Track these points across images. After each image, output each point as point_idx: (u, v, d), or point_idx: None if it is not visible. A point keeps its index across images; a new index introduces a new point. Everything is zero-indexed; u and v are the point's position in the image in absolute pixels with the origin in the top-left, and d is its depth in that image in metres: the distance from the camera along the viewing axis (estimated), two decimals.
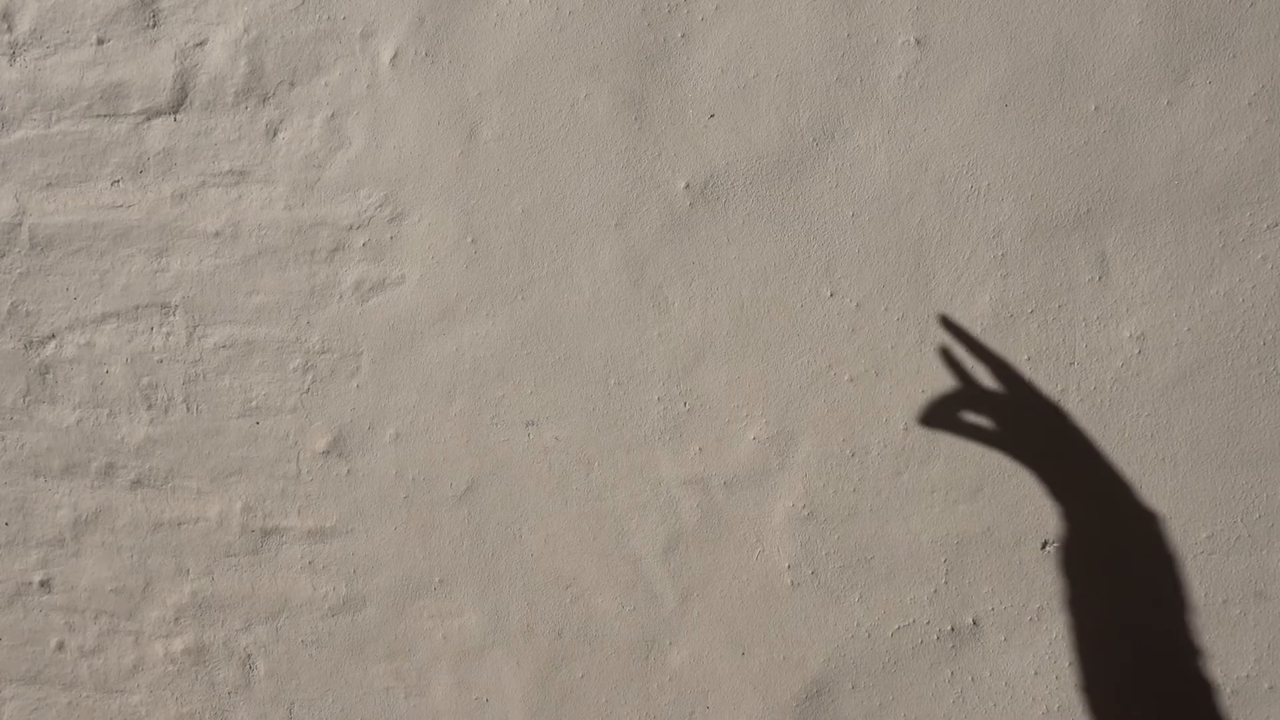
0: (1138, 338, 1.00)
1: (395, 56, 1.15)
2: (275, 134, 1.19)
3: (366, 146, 1.17)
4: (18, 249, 1.29)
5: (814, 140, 1.05)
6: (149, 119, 1.23)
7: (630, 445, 1.14)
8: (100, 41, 1.23)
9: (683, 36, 1.07)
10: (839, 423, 1.08)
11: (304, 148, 1.19)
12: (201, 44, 1.20)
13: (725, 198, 1.08)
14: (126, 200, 1.25)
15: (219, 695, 1.30)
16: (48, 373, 1.30)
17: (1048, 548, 1.04)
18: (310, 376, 1.22)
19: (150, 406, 1.27)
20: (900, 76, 1.02)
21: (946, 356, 1.03)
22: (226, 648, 1.29)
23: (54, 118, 1.26)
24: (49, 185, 1.27)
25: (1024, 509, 1.05)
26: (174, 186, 1.23)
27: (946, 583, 1.07)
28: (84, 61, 1.24)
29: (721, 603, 1.14)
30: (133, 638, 1.32)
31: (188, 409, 1.26)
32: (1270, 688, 1.01)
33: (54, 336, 1.29)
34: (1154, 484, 1.01)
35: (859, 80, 1.04)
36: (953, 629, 1.08)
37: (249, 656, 1.29)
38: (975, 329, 1.04)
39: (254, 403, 1.24)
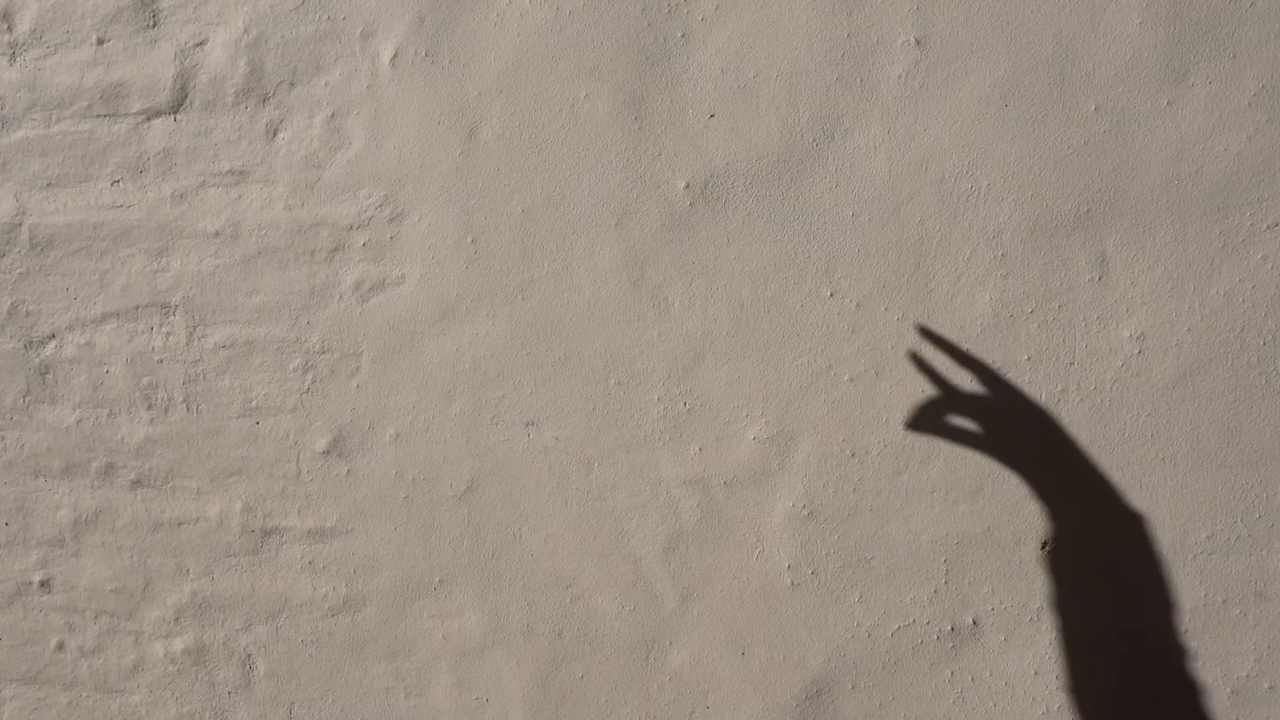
0: (1138, 338, 1.00)
1: (395, 56, 1.15)
2: (275, 134, 1.19)
3: (366, 146, 1.17)
4: (18, 249, 1.29)
5: (814, 140, 1.05)
6: (149, 119, 1.23)
7: (630, 445, 1.14)
8: (100, 41, 1.23)
9: (683, 36, 1.07)
10: (839, 423, 1.08)
11: (304, 148, 1.19)
12: (201, 44, 1.20)
13: (725, 198, 1.08)
14: (126, 200, 1.25)
15: (219, 695, 1.30)
16: (48, 373, 1.30)
17: (1048, 548, 1.04)
18: (310, 376, 1.22)
19: (150, 406, 1.27)
20: (900, 76, 1.02)
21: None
22: (226, 648, 1.29)
23: (54, 118, 1.26)
24: (49, 185, 1.27)
25: (1024, 509, 1.05)
26: (174, 186, 1.23)
27: (946, 583, 1.07)
28: (84, 61, 1.24)
29: (721, 603, 1.14)
30: (133, 638, 1.32)
31: (188, 409, 1.26)
32: (1270, 688, 1.01)
33: (54, 336, 1.29)
34: (1154, 484, 1.01)
35: (859, 80, 1.04)
36: (953, 629, 1.08)
37: (249, 656, 1.29)
38: (975, 329, 1.04)
39: (254, 403, 1.24)
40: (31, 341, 1.30)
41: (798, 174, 1.06)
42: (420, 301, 1.17)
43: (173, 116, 1.22)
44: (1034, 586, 1.05)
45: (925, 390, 1.05)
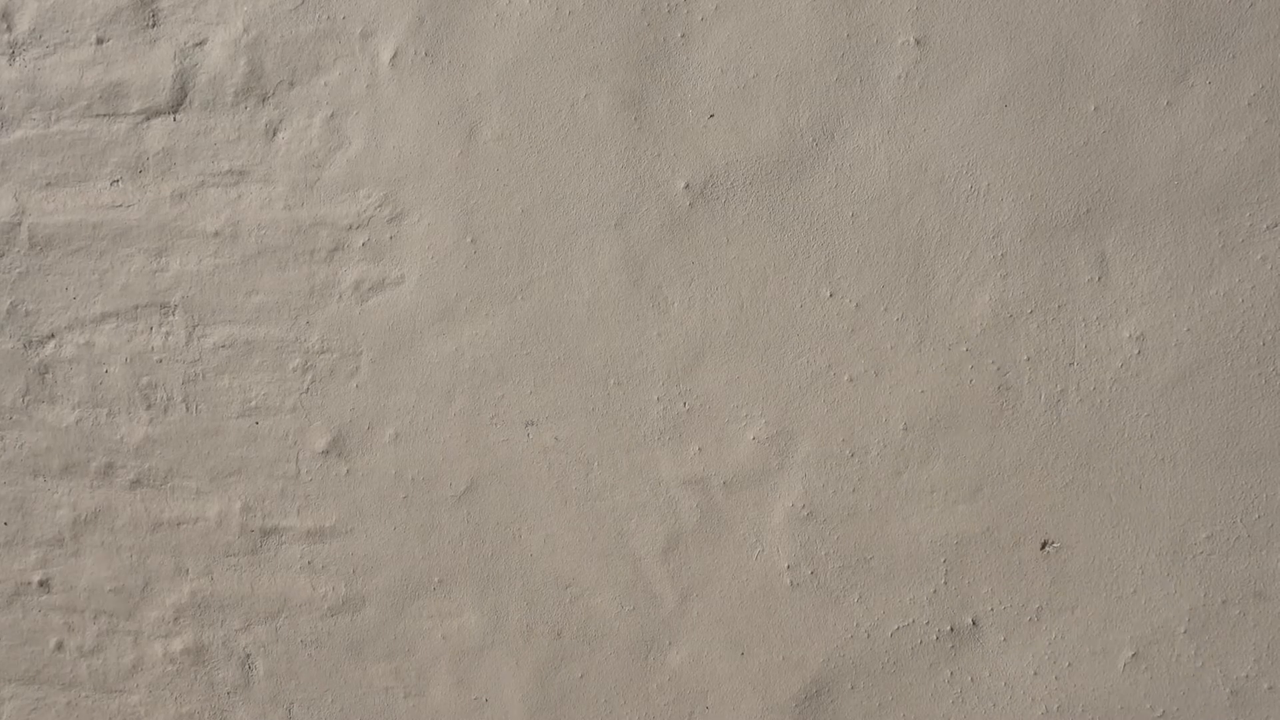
0: (1137, 338, 1.00)
1: (395, 56, 1.15)
2: (275, 134, 1.19)
3: (366, 146, 1.17)
4: (17, 249, 1.29)
5: (814, 140, 1.05)
6: (148, 119, 1.23)
7: (630, 445, 1.14)
8: (100, 41, 1.23)
9: (683, 36, 1.07)
10: (839, 423, 1.08)
11: (303, 148, 1.19)
12: (201, 44, 1.20)
13: (725, 198, 1.08)
14: (126, 200, 1.25)
15: (218, 695, 1.30)
16: (47, 372, 1.30)
17: (1048, 548, 1.05)
18: (310, 376, 1.22)
19: (150, 406, 1.27)
20: (900, 76, 1.03)
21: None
22: (226, 648, 1.29)
23: (53, 117, 1.26)
24: (48, 185, 1.27)
25: (1024, 509, 1.05)
26: (173, 186, 1.23)
27: (946, 583, 1.07)
28: (83, 61, 1.24)
29: (721, 603, 1.14)
30: (132, 638, 1.32)
31: (187, 409, 1.26)
32: (1270, 688, 1.01)
33: (53, 336, 1.29)
34: (1154, 484, 1.01)
35: (859, 80, 1.04)
36: (952, 629, 1.08)
37: (248, 656, 1.29)
38: (975, 329, 1.04)
39: (253, 403, 1.24)
40: (31, 341, 1.30)
41: (798, 174, 1.06)
42: (420, 301, 1.17)
43: (172, 116, 1.22)
44: (1034, 586, 1.05)
45: (925, 390, 1.05)
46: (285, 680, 1.28)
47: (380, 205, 1.17)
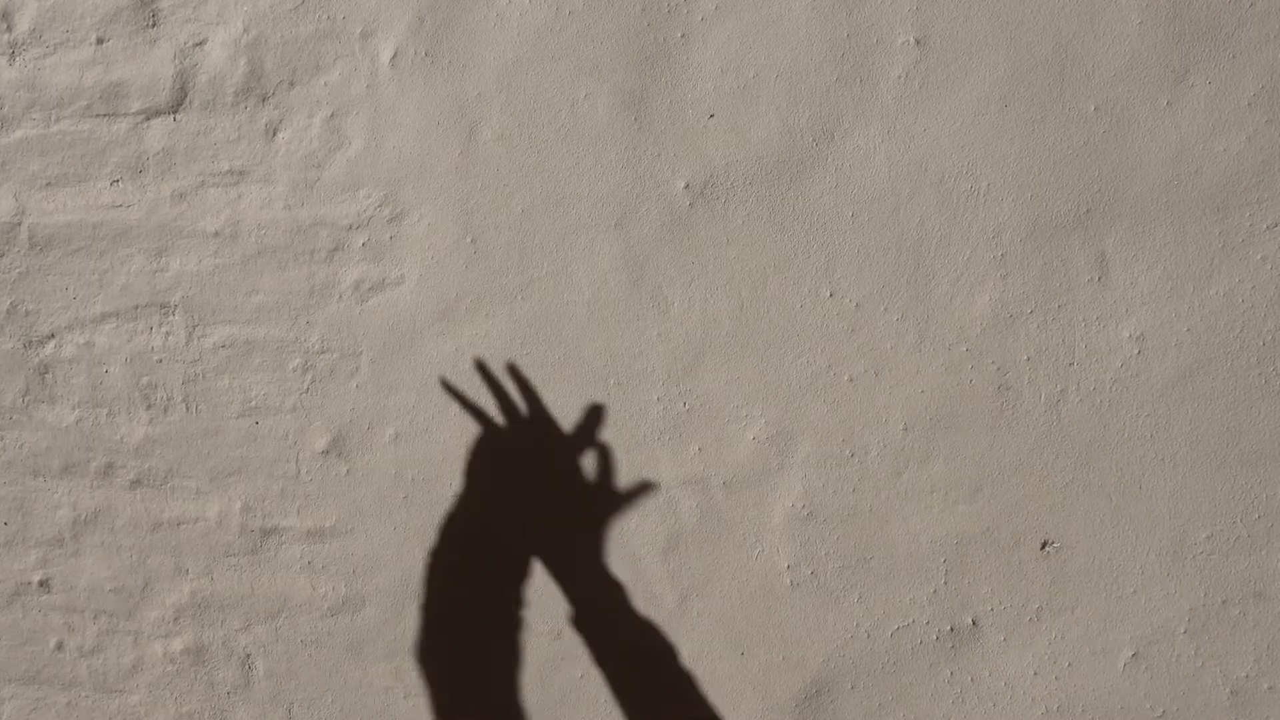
0: (1137, 338, 1.00)
1: (395, 56, 1.15)
2: (275, 134, 1.19)
3: (366, 146, 1.17)
4: (17, 249, 1.29)
5: (814, 140, 1.05)
6: (148, 119, 1.23)
7: (630, 445, 1.14)
8: (100, 41, 1.23)
9: (683, 36, 1.07)
10: (839, 423, 1.08)
11: (303, 148, 1.19)
12: (201, 44, 1.20)
13: (725, 198, 1.08)
14: (126, 200, 1.25)
15: (218, 695, 1.30)
16: (47, 372, 1.30)
17: (1048, 548, 1.05)
18: (310, 376, 1.22)
19: (149, 406, 1.27)
20: (900, 76, 1.03)
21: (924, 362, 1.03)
22: (226, 648, 1.29)
23: (53, 117, 1.26)
24: (48, 185, 1.27)
25: (1024, 509, 1.05)
26: (173, 186, 1.23)
27: (946, 583, 1.07)
28: (83, 61, 1.24)
29: (721, 603, 1.14)
30: (132, 638, 1.32)
31: (187, 409, 1.26)
32: (1270, 688, 1.01)
33: (53, 336, 1.29)
34: (1154, 484, 1.01)
35: (859, 80, 1.04)
36: (952, 629, 1.08)
37: (248, 656, 1.29)
38: (975, 329, 1.04)
39: (253, 403, 1.24)
40: (31, 341, 1.30)
41: (798, 174, 1.06)
42: (420, 301, 1.17)
43: (172, 116, 1.22)
44: (1034, 586, 1.05)
45: (926, 390, 1.05)
46: (285, 680, 1.28)
47: (380, 205, 1.17)
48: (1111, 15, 0.97)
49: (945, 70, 1.01)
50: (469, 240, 1.15)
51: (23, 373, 1.31)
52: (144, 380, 1.27)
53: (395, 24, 1.14)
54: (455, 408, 1.18)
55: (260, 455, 1.25)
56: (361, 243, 1.18)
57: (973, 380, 1.04)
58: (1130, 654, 1.04)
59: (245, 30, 1.19)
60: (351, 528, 1.23)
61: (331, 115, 1.17)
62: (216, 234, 1.23)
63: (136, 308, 1.26)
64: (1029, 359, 1.03)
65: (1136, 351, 1.00)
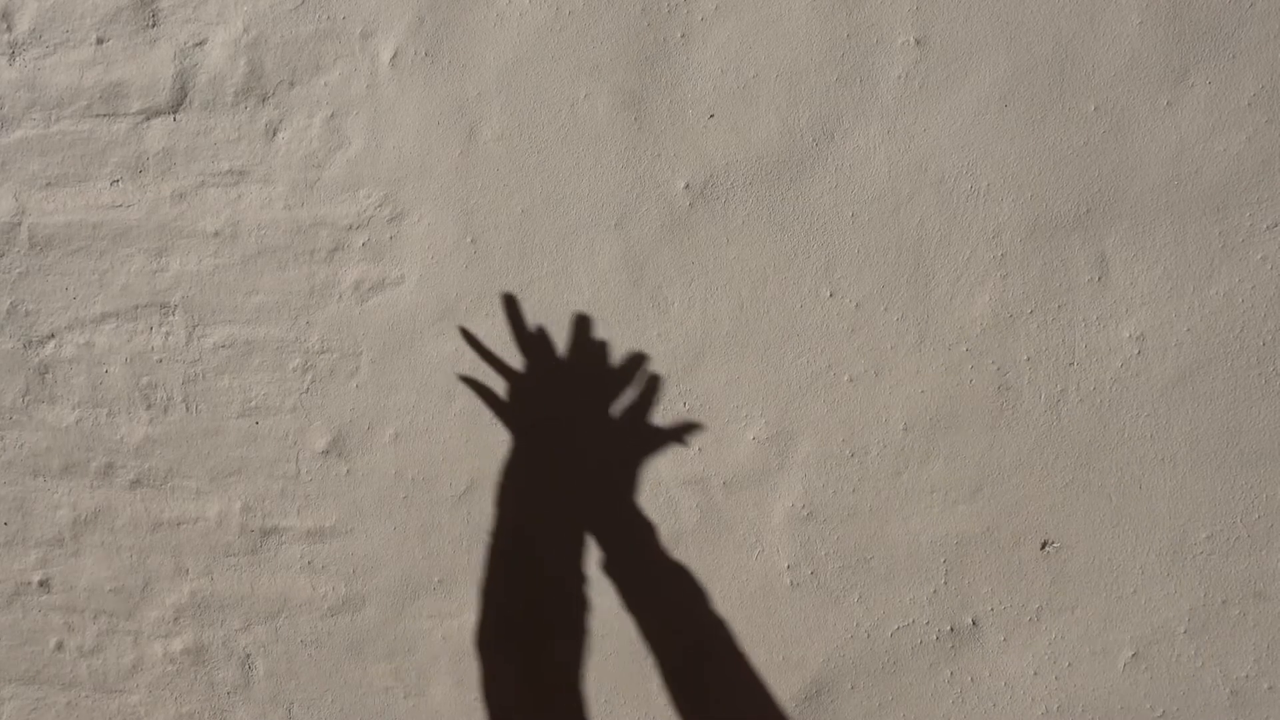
0: (1137, 338, 1.00)
1: (395, 56, 1.15)
2: (275, 134, 1.19)
3: (366, 146, 1.17)
4: (17, 249, 1.29)
5: (814, 140, 1.05)
6: (148, 119, 1.23)
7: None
8: (100, 41, 1.23)
9: (683, 36, 1.07)
10: (839, 423, 1.08)
11: (303, 148, 1.19)
12: (201, 44, 1.20)
13: (725, 198, 1.08)
14: (126, 200, 1.25)
15: (218, 695, 1.30)
16: (47, 372, 1.30)
17: (1048, 548, 1.04)
18: (310, 376, 1.22)
19: (149, 406, 1.27)
20: (900, 76, 1.02)
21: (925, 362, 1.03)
22: (226, 648, 1.29)
23: (53, 117, 1.26)
24: (48, 185, 1.27)
25: (1024, 509, 1.05)
26: (173, 186, 1.23)
27: (946, 583, 1.07)
28: (83, 61, 1.24)
29: (721, 603, 1.14)
30: (132, 638, 1.32)
31: (187, 409, 1.26)
32: (1270, 688, 1.01)
33: (53, 336, 1.29)
34: (1154, 484, 1.01)
35: (859, 80, 1.04)
36: (952, 629, 1.08)
37: (248, 656, 1.29)
38: (975, 329, 1.04)
39: (253, 403, 1.24)
40: (31, 341, 1.30)
41: (798, 174, 1.06)
42: (420, 301, 1.17)
43: (172, 116, 1.22)
44: (1034, 586, 1.05)
45: (926, 390, 1.05)
46: (285, 680, 1.28)
47: (380, 205, 1.17)
48: (1111, 15, 0.97)
49: (945, 70, 1.01)
50: (469, 240, 1.15)
51: (23, 373, 1.31)
52: (144, 380, 1.27)
53: (395, 24, 1.14)
54: (455, 407, 1.18)
55: (260, 455, 1.25)
56: (361, 243, 1.18)
57: (973, 380, 1.04)
58: (1130, 654, 1.04)
59: (245, 30, 1.19)
60: (351, 528, 1.23)
61: (331, 115, 1.17)
62: (216, 234, 1.23)
63: (136, 308, 1.26)
64: (1029, 359, 1.03)
65: (1136, 351, 1.00)
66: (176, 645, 1.31)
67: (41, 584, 1.35)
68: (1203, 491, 1.00)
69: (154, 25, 1.21)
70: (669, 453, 1.13)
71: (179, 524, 1.29)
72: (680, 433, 1.08)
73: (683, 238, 1.10)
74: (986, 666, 1.07)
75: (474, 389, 1.12)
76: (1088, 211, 1.00)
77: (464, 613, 1.21)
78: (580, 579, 1.14)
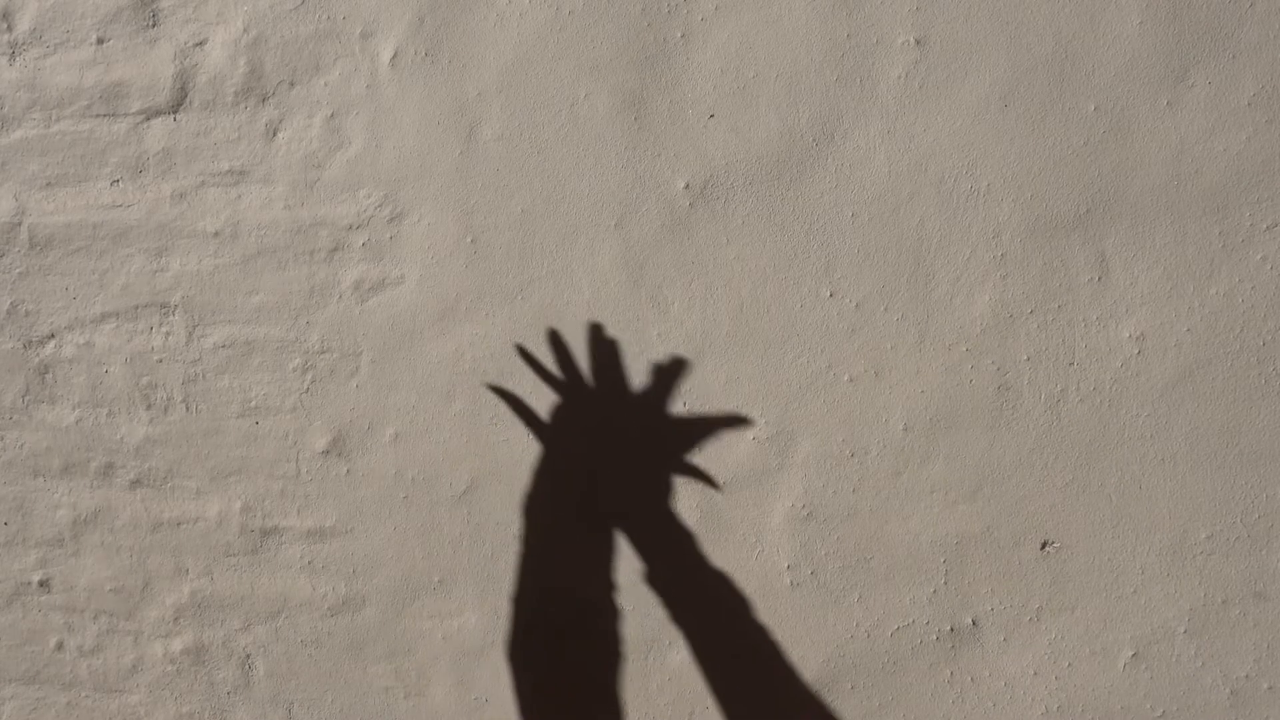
0: (1137, 338, 1.00)
1: (395, 56, 1.15)
2: (275, 134, 1.19)
3: (366, 146, 1.17)
4: (17, 249, 1.29)
5: (814, 140, 1.05)
6: (148, 119, 1.23)
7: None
8: (100, 41, 1.23)
9: (683, 36, 1.07)
10: (839, 423, 1.08)
11: (303, 148, 1.19)
12: (201, 44, 1.20)
13: (725, 198, 1.08)
14: (126, 200, 1.25)
15: (218, 695, 1.30)
16: (47, 372, 1.30)
17: (1048, 548, 1.04)
18: (310, 376, 1.22)
19: (149, 406, 1.27)
20: (900, 76, 1.02)
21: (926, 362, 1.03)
22: (226, 648, 1.29)
23: (53, 117, 1.26)
24: (48, 185, 1.27)
25: (1024, 509, 1.05)
26: (173, 186, 1.23)
27: (946, 583, 1.07)
28: (84, 61, 1.24)
29: (725, 603, 1.14)
30: (132, 638, 1.32)
31: (187, 409, 1.26)
32: (1270, 688, 1.01)
33: (53, 336, 1.29)
34: (1154, 484, 1.01)
35: (859, 80, 1.04)
36: (952, 629, 1.08)
37: (248, 656, 1.29)
38: (975, 329, 1.04)
39: (253, 403, 1.24)
40: (31, 341, 1.30)
41: (798, 174, 1.06)
42: (420, 301, 1.17)
43: (172, 116, 1.22)
44: (1034, 586, 1.05)
45: (926, 390, 1.05)
46: (285, 680, 1.28)
47: (380, 205, 1.17)
48: (1111, 15, 0.97)
49: (945, 70, 1.01)
50: (469, 240, 1.15)
51: (23, 373, 1.31)
52: (144, 380, 1.27)
53: (395, 24, 1.14)
54: (455, 407, 1.18)
55: (260, 455, 1.25)
56: (361, 243, 1.18)
57: (973, 380, 1.04)
58: (1130, 654, 1.04)
59: (245, 30, 1.19)
60: (351, 528, 1.23)
61: (331, 115, 1.17)
62: (216, 234, 1.23)
63: (136, 308, 1.26)
64: (1029, 359, 1.03)
65: (1136, 351, 1.00)
66: (176, 645, 1.31)
67: (41, 584, 1.35)
68: (1203, 491, 1.00)
69: (154, 25, 1.21)
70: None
71: (179, 524, 1.29)
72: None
73: (683, 238, 1.10)
74: (986, 666, 1.07)
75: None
76: (1088, 211, 1.00)
77: (464, 613, 1.21)
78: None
